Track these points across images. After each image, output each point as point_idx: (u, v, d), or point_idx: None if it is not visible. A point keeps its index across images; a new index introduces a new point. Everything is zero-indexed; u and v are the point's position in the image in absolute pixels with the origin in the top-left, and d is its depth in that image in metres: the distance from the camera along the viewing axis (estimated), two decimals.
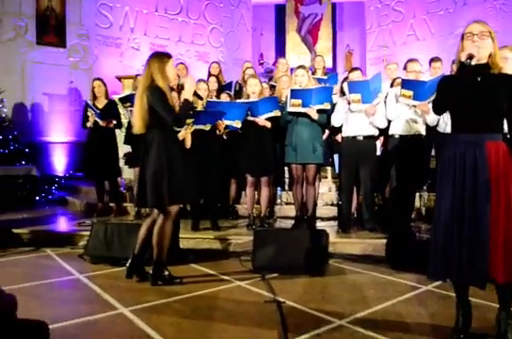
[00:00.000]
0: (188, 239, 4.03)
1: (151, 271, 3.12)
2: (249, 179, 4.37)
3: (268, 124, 4.24)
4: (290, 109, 4.12)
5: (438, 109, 2.35)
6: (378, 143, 4.43)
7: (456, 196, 2.14)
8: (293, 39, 10.58)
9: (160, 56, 3.06)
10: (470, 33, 2.19)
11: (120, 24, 8.64)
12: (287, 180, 5.08)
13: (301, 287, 3.11)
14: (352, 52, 10.14)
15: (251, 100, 4.26)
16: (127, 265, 3.16)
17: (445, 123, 3.79)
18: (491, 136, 2.15)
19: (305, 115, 4.14)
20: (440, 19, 8.62)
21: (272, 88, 5.26)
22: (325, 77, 5.21)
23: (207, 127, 4.20)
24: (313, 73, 5.38)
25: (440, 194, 2.25)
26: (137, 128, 3.04)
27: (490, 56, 2.19)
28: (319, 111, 4.14)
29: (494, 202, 2.09)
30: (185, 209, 4.64)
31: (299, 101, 4.06)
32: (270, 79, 5.99)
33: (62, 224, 5.07)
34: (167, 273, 3.13)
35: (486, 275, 2.09)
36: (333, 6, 10.73)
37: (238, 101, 4.37)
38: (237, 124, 4.26)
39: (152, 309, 2.70)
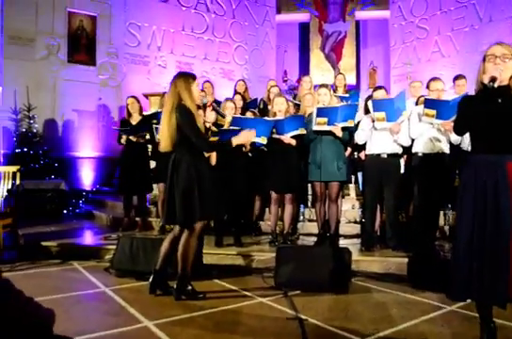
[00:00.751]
0: (212, 255, 4.09)
1: (174, 286, 3.18)
2: (274, 196, 4.43)
3: (293, 142, 4.30)
4: (316, 128, 4.17)
5: (458, 130, 2.40)
6: (402, 161, 4.44)
7: (477, 215, 2.16)
8: (316, 56, 10.72)
9: (186, 76, 3.15)
10: (492, 55, 2.23)
11: (148, 42, 8.93)
12: (310, 197, 5.10)
13: (324, 305, 3.12)
14: (376, 69, 10.19)
15: (278, 118, 4.34)
16: (150, 280, 3.24)
17: (469, 142, 3.79)
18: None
19: (329, 133, 4.19)
20: (466, 36, 8.62)
21: (296, 106, 5.34)
22: (346, 95, 5.26)
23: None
24: (335, 91, 5.45)
25: (460, 213, 2.27)
26: (164, 146, 3.12)
27: (511, 78, 2.22)
28: (343, 129, 4.19)
29: None
30: (209, 225, 4.70)
31: (325, 119, 4.12)
32: (294, 97, 6.07)
33: (89, 238, 5.20)
34: (190, 288, 3.18)
35: (506, 294, 2.09)
36: (357, 23, 10.85)
37: (268, 118, 4.44)
38: (263, 141, 4.33)
39: (175, 323, 2.75)
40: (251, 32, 10.17)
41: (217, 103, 6.24)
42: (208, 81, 6.77)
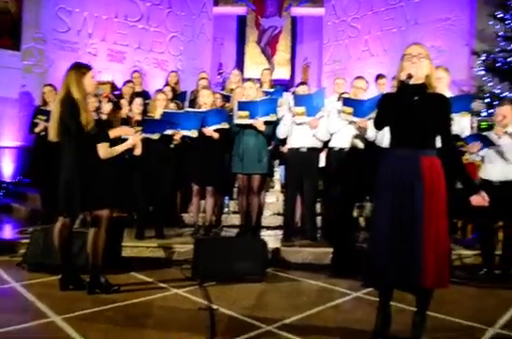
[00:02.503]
0: (132, 247, 4.06)
1: (88, 279, 3.13)
2: (195, 188, 4.45)
3: (215, 135, 4.34)
4: (237, 121, 4.23)
5: (378, 126, 2.53)
6: (323, 155, 4.59)
7: (394, 205, 2.28)
8: (252, 50, 10.77)
9: (79, 68, 3.11)
10: (409, 54, 2.37)
11: (79, 28, 8.56)
12: (236, 189, 5.16)
13: (237, 294, 3.19)
14: (309, 65, 10.39)
15: (201, 110, 4.35)
16: (59, 277, 3.17)
17: (382, 138, 3.99)
18: (426, 151, 2.32)
19: (251, 126, 4.26)
20: (393, 36, 8.99)
21: (224, 97, 5.35)
22: (271, 90, 5.35)
23: (155, 136, 4.25)
24: (260, 86, 5.52)
25: (377, 204, 2.40)
26: (52, 136, 3.11)
27: (427, 76, 2.37)
28: (265, 123, 4.27)
29: (427, 214, 2.24)
30: (132, 218, 4.65)
31: (246, 112, 4.18)
32: (223, 89, 6.09)
33: (3, 232, 4.96)
34: (103, 281, 3.14)
35: (419, 281, 2.22)
36: (293, 19, 10.99)
37: (190, 110, 4.45)
38: (193, 134, 4.34)
39: (84, 317, 2.71)
40: (187, 23, 10.02)
41: (146, 94, 6.14)
42: (137, 71, 6.63)
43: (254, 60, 10.67)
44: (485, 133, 3.96)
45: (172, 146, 4.40)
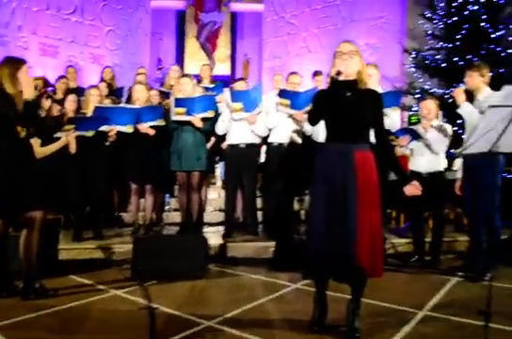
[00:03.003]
0: (68, 250, 3.93)
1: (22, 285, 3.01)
2: (133, 186, 4.40)
3: (151, 132, 4.29)
4: (174, 118, 4.21)
5: (312, 121, 2.59)
6: (263, 150, 4.66)
7: (328, 197, 2.37)
8: (192, 45, 10.67)
9: (13, 62, 2.98)
10: (340, 52, 2.45)
11: (7, 20, 8.10)
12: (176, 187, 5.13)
13: (178, 292, 3.18)
14: (249, 60, 10.46)
15: (135, 106, 4.28)
16: None
17: (318, 133, 4.11)
18: (359, 145, 2.41)
19: (189, 123, 4.24)
20: (330, 33, 9.21)
21: (163, 94, 5.28)
22: (211, 86, 5.35)
23: (89, 133, 4.13)
24: (200, 82, 5.51)
25: (314, 196, 2.47)
26: None
27: (358, 72, 2.45)
28: (203, 119, 4.26)
29: (360, 205, 2.33)
30: (69, 219, 4.51)
31: (183, 109, 4.16)
32: (161, 86, 6.00)
33: None
34: (38, 286, 3.03)
35: (353, 271, 2.32)
36: (233, 14, 10.99)
37: (123, 105, 4.36)
38: (129, 129, 4.26)
39: (17, 325, 2.60)
40: (124, 17, 9.75)
41: (81, 90, 5.93)
42: (71, 66, 6.38)
43: (194, 56, 10.57)
44: (412, 127, 4.17)
45: (108, 143, 4.29)
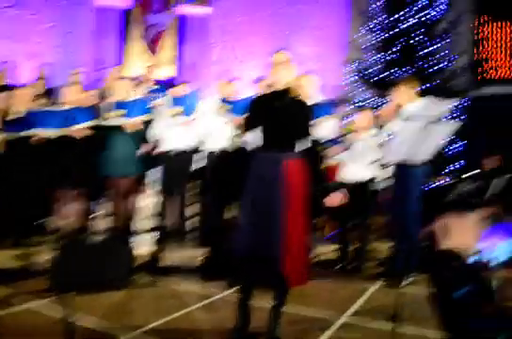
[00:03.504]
0: None
1: None
2: (59, 191, 4.28)
3: (82, 134, 4.20)
4: (109, 121, 4.11)
5: (246, 128, 2.63)
6: (199, 157, 4.63)
7: (255, 206, 2.40)
8: (137, 46, 10.45)
9: None
10: (273, 62, 2.49)
11: None
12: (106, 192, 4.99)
13: (100, 304, 3.06)
14: (195, 64, 10.38)
15: (65, 108, 4.16)
16: None
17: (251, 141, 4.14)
18: (289, 154, 2.47)
19: (124, 126, 4.16)
20: (277, 40, 9.33)
21: (101, 95, 5.13)
22: (154, 87, 5.30)
23: (16, 136, 3.96)
24: (143, 83, 5.44)
25: (242, 204, 2.50)
26: None
27: (290, 82, 2.51)
28: (139, 123, 4.19)
29: (286, 214, 2.37)
30: None
31: (121, 111, 4.09)
32: (101, 88, 5.84)
33: None
34: None
35: (277, 279, 2.35)
36: (180, 17, 10.89)
37: (52, 108, 4.22)
38: (55, 134, 4.16)
39: None
40: (67, 13, 9.43)
41: (10, 87, 5.67)
42: (5, 62, 6.09)
43: (138, 57, 10.36)
44: (343, 137, 4.28)
45: (34, 147, 4.12)
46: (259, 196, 2.41)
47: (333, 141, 4.07)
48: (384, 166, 3.83)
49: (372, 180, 3.97)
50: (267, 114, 2.47)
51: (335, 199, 2.57)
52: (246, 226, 2.42)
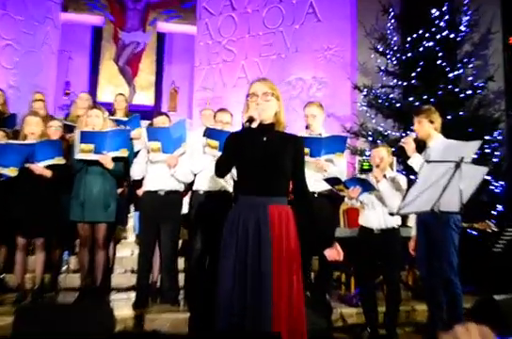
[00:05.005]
0: None
1: None
2: (20, 240, 4.21)
3: (48, 173, 4.18)
4: (78, 156, 4.13)
5: (220, 170, 2.60)
6: (186, 200, 4.61)
7: (238, 260, 2.38)
8: (109, 68, 10.67)
9: None
10: (253, 94, 2.50)
11: None
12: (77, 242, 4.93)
13: None
14: (177, 90, 10.58)
15: (26, 142, 4.16)
16: None
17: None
18: (275, 199, 2.45)
19: (97, 163, 4.17)
20: (273, 63, 9.58)
21: (67, 126, 5.15)
22: (125, 119, 5.34)
23: None
24: (113, 114, 5.47)
25: (223, 257, 2.46)
26: None
27: (276, 115, 2.52)
28: (114, 159, 4.20)
29: (276, 270, 2.34)
30: None
31: (91, 146, 4.10)
32: (66, 117, 5.89)
33: None
34: None
35: None
36: (161, 36, 11.19)
37: (12, 142, 4.21)
38: (12, 172, 4.11)
39: None
40: (27, 30, 9.62)
41: None
42: None
43: (111, 81, 10.56)
44: (363, 176, 4.33)
45: None
46: (241, 249, 2.40)
47: (350, 181, 4.09)
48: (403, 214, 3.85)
49: (401, 226, 4.00)
50: (249, 151, 2.48)
51: (337, 253, 2.55)
52: (227, 287, 2.39)
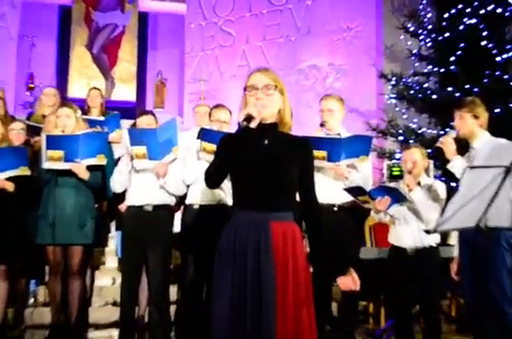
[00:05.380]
0: None
1: None
2: None
3: (10, 186, 4.23)
4: (46, 165, 4.16)
5: (210, 180, 2.62)
6: (178, 215, 4.66)
7: (236, 288, 2.39)
8: (80, 57, 10.78)
9: None
10: (251, 86, 2.52)
11: None
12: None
13: None
14: (165, 82, 10.65)
15: None
16: None
17: None
18: (278, 215, 2.47)
19: (69, 173, 4.21)
20: (280, 48, 9.64)
21: (33, 129, 5.21)
22: (101, 118, 5.39)
23: None
24: (86, 113, 5.54)
25: (216, 285, 2.49)
26: None
27: (279, 112, 2.54)
28: (90, 168, 4.25)
29: (280, 300, 2.37)
30: None
31: (61, 152, 4.13)
32: (30, 116, 5.95)
33: None
34: None
35: None
36: (143, 16, 11.26)
37: None
38: None
39: None
40: None
41: None
42: None
43: (83, 73, 10.65)
44: (393, 184, 4.34)
45: None
46: (239, 275, 2.41)
47: (377, 191, 4.11)
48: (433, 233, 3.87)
49: (441, 244, 4.02)
50: (247, 157, 2.48)
51: (353, 281, 2.58)
52: (223, 319, 2.40)
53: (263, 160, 2.47)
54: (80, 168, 4.19)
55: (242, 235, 2.43)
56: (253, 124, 2.41)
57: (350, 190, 4.01)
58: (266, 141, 2.52)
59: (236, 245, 2.43)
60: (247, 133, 2.45)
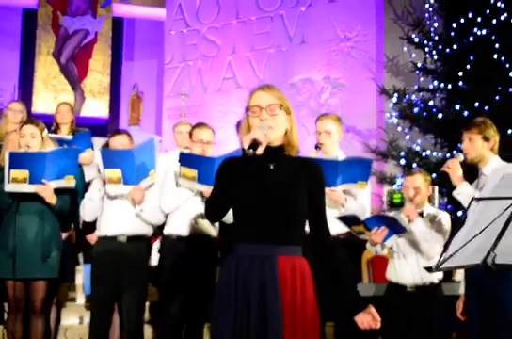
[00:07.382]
0: None
1: None
2: None
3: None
4: (9, 188, 4.18)
5: (213, 212, 2.62)
6: (156, 246, 4.70)
7: (238, 330, 2.40)
8: (46, 66, 10.75)
9: None
10: (256, 107, 2.55)
11: None
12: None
13: None
14: (141, 96, 10.65)
15: None
16: None
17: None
18: (286, 248, 2.50)
19: (33, 197, 4.23)
20: (270, 60, 9.66)
21: None
22: (69, 137, 5.45)
23: None
24: (55, 131, 5.60)
25: (215, 325, 2.50)
26: None
27: (286, 134, 2.57)
28: (58, 191, 4.27)
29: (289, 336, 2.40)
30: None
31: (26, 173, 4.15)
32: None
33: None
34: None
35: None
36: (118, 22, 11.28)
37: None
38: None
39: None
40: None
41: None
42: None
43: (49, 84, 10.63)
44: (393, 213, 4.38)
45: None
46: (241, 315, 2.41)
47: (373, 220, 4.15)
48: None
49: (444, 280, 4.04)
50: (250, 184, 2.49)
51: (372, 319, 2.56)
52: None
53: (268, 187, 2.49)
54: (47, 190, 4.18)
55: (244, 272, 2.43)
56: (260, 150, 2.39)
57: (344, 219, 4.03)
58: (272, 166, 2.53)
59: (238, 284, 2.43)
60: (250, 157, 2.42)
